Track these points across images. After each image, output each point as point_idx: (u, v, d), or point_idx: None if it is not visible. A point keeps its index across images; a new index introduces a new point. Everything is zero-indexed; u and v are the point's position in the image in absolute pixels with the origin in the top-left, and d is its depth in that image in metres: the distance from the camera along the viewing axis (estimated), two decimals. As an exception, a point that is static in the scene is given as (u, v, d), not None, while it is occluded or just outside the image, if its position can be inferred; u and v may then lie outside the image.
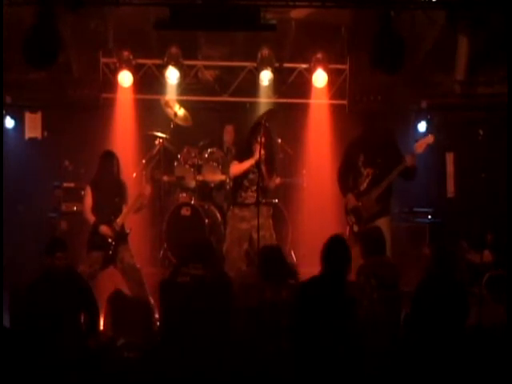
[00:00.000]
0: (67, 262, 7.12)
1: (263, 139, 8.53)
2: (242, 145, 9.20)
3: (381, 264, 7.15)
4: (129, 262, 8.48)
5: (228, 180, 9.85)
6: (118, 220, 8.51)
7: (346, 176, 8.71)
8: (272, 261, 6.78)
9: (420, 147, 8.43)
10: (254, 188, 8.69)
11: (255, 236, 8.51)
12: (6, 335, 6.75)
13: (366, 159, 8.58)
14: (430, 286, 7.00)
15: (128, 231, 8.60)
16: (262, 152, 8.45)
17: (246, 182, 8.75)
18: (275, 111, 10.07)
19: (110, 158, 8.67)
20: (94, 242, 8.48)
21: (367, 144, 8.63)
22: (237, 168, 8.75)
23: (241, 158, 8.78)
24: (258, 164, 8.51)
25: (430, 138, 8.57)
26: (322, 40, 10.37)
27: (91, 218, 8.55)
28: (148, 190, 8.65)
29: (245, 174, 8.72)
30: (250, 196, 8.72)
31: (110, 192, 8.59)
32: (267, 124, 8.77)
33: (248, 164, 8.65)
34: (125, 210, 8.55)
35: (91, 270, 8.34)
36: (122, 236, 8.52)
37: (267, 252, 6.99)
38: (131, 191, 8.81)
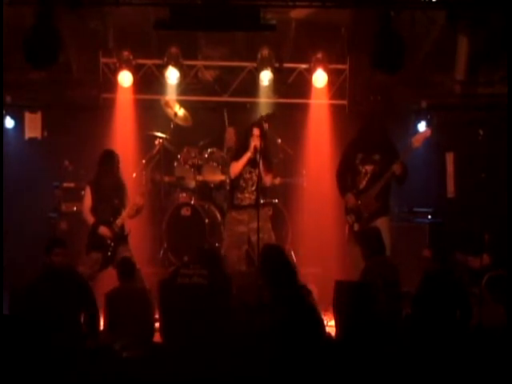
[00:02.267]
0: (66, 260, 7.13)
1: (258, 132, 8.55)
2: (238, 146, 9.19)
3: (384, 264, 7.15)
4: (129, 263, 8.48)
5: (228, 180, 9.85)
6: (118, 221, 8.51)
7: (345, 176, 8.76)
8: (273, 261, 6.76)
9: (417, 141, 8.47)
10: (251, 189, 8.69)
11: (253, 239, 8.51)
12: (5, 334, 6.75)
13: (364, 157, 8.64)
14: (431, 286, 7.01)
15: (127, 232, 8.60)
16: (259, 143, 8.44)
17: (242, 183, 8.75)
18: (273, 115, 10.12)
19: (110, 157, 8.67)
20: (94, 242, 8.49)
21: (364, 143, 8.69)
22: (236, 166, 8.73)
23: (238, 156, 8.77)
24: (254, 160, 8.51)
25: (427, 132, 8.62)
26: (322, 40, 10.37)
27: (90, 219, 8.56)
28: (141, 200, 8.64)
29: (241, 174, 8.71)
30: (247, 198, 8.71)
31: (110, 193, 8.60)
32: (266, 125, 8.80)
33: (245, 158, 8.64)
34: (124, 212, 8.55)
35: (91, 270, 8.34)
36: (121, 237, 8.53)
37: (269, 251, 6.96)
38: (131, 192, 8.81)
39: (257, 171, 8.50)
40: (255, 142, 8.55)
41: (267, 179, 8.82)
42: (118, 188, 8.67)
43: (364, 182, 8.64)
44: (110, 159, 8.67)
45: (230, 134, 10.59)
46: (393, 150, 8.64)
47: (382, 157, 8.57)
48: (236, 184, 8.81)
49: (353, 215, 8.67)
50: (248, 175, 8.75)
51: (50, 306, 6.85)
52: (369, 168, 8.62)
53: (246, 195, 8.74)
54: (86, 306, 7.09)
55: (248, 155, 8.61)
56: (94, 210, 8.59)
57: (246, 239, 8.72)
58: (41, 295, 6.93)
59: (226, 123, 10.71)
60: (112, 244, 8.49)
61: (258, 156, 8.44)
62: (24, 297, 7.06)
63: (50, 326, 6.73)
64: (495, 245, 8.80)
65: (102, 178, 8.65)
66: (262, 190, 8.74)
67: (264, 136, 8.78)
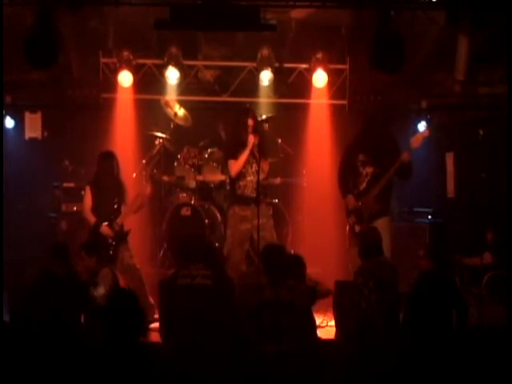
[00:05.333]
0: (67, 269, 7.14)
1: (252, 123, 8.52)
2: (233, 141, 9.05)
3: (379, 265, 7.13)
4: (129, 262, 8.49)
5: (228, 180, 9.83)
6: (118, 220, 8.50)
7: (346, 177, 8.71)
8: (274, 260, 6.75)
9: (416, 142, 8.42)
10: (251, 170, 8.59)
11: (255, 236, 8.46)
12: (5, 335, 6.75)
13: (364, 159, 8.58)
14: (424, 285, 7.01)
15: (128, 230, 8.59)
16: (257, 139, 8.40)
17: (242, 180, 8.68)
18: (272, 118, 10.17)
19: (109, 158, 8.67)
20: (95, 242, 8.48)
21: (365, 144, 8.64)
22: (236, 165, 8.62)
23: (235, 154, 8.67)
24: (253, 153, 8.46)
25: (426, 132, 8.58)
26: (321, 40, 10.37)
27: (91, 219, 8.55)
28: (148, 189, 8.65)
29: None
30: (249, 182, 8.61)
31: (110, 192, 8.59)
32: (266, 125, 8.77)
33: (245, 156, 8.55)
34: (124, 210, 8.56)
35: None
36: (122, 235, 8.52)
37: (269, 251, 6.95)
38: (131, 191, 8.81)
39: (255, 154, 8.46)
40: (253, 138, 8.49)
41: (265, 166, 8.75)
42: (118, 187, 8.67)
43: (364, 184, 8.60)
44: (108, 160, 8.66)
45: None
46: (395, 152, 8.56)
47: (383, 158, 8.52)
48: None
49: (354, 217, 8.62)
50: (248, 170, 8.67)
51: (50, 306, 6.85)
52: (369, 170, 8.58)
53: (248, 179, 8.63)
54: (86, 308, 7.08)
55: (247, 153, 8.55)
56: (95, 209, 8.59)
57: (248, 237, 8.62)
58: (41, 295, 6.93)
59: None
60: (113, 243, 8.48)
61: (256, 152, 8.41)
62: (24, 297, 7.07)
63: (49, 326, 6.75)
64: (498, 243, 8.80)
65: (101, 178, 8.65)
66: (262, 187, 8.69)
67: (258, 125, 8.73)
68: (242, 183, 8.65)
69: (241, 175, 8.65)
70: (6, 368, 6.34)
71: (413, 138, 8.47)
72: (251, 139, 8.49)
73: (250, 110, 8.90)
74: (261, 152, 8.48)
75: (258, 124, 8.78)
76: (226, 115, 10.81)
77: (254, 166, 8.56)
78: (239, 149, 8.62)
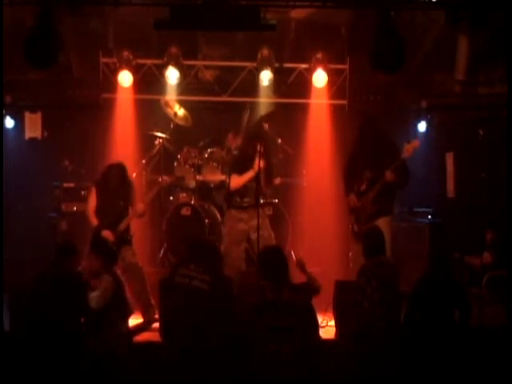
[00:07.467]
0: (70, 269, 7.14)
1: (262, 149, 8.49)
2: (240, 155, 9.03)
3: (381, 264, 7.14)
4: (131, 261, 8.45)
5: (228, 180, 9.82)
6: (121, 225, 8.45)
7: (351, 178, 8.71)
8: (273, 262, 6.74)
9: (407, 152, 8.38)
10: (251, 195, 8.60)
11: (253, 236, 8.48)
12: (5, 336, 6.77)
13: (363, 162, 8.58)
14: (425, 286, 7.02)
15: (131, 235, 8.55)
16: (262, 164, 8.39)
17: (242, 190, 8.69)
18: (272, 114, 10.10)
19: (118, 169, 8.60)
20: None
21: (364, 147, 8.62)
22: (237, 181, 8.64)
23: (240, 171, 8.66)
24: (257, 176, 8.43)
25: (417, 143, 8.51)
26: (321, 40, 10.38)
27: (94, 221, 8.49)
28: (141, 207, 8.59)
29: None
30: (246, 202, 8.66)
31: (115, 194, 8.53)
32: (266, 125, 8.73)
33: (248, 176, 8.54)
34: (126, 219, 8.49)
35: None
36: (124, 240, 8.47)
37: (267, 256, 6.92)
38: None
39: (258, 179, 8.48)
40: (259, 164, 8.43)
41: (268, 190, 8.80)
42: (124, 188, 8.60)
43: (364, 186, 8.61)
44: (118, 171, 8.60)
45: (231, 139, 10.51)
46: (393, 154, 8.53)
47: (380, 163, 8.50)
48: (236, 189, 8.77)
49: (353, 216, 8.66)
50: (249, 184, 8.67)
51: (50, 306, 6.84)
52: (368, 171, 8.60)
53: (246, 199, 8.68)
54: (86, 308, 7.07)
55: (251, 174, 8.53)
56: (99, 211, 8.52)
57: (245, 237, 8.66)
58: (41, 295, 6.92)
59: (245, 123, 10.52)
60: (114, 248, 8.44)
61: (260, 174, 8.41)
62: (24, 297, 7.06)
63: (49, 326, 6.75)
64: (497, 243, 8.81)
65: (109, 179, 8.58)
66: (259, 194, 8.69)
67: (268, 146, 8.74)
68: (239, 199, 8.70)
69: (240, 193, 8.68)
70: (7, 368, 6.36)
71: (404, 149, 8.42)
72: (257, 164, 8.42)
73: (262, 133, 8.87)
74: (268, 177, 8.54)
75: (268, 147, 8.77)
76: (226, 115, 10.84)
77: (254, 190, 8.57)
78: (245, 164, 8.61)
